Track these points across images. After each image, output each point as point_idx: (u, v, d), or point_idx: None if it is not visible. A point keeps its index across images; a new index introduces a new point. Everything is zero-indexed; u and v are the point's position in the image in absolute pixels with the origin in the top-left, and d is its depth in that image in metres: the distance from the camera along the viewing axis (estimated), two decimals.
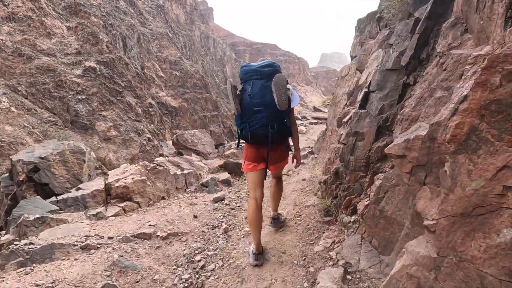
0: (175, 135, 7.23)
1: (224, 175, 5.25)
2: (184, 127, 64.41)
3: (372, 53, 3.11)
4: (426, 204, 1.55)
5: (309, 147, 6.90)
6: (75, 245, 2.86)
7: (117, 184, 4.31)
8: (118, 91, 46.96)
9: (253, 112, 2.03)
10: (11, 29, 25.64)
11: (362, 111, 2.74)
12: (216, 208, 4.01)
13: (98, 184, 4.46)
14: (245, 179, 5.12)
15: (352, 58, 4.33)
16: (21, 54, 25.59)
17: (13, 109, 23.07)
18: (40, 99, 35.20)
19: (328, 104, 15.85)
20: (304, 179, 4.56)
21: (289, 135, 2.21)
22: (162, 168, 4.62)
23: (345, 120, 3.14)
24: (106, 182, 4.37)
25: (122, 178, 4.41)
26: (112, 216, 3.92)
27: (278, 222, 2.93)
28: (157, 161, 5.19)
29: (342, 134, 2.96)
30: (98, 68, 42.10)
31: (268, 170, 2.31)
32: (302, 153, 5.62)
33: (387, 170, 2.33)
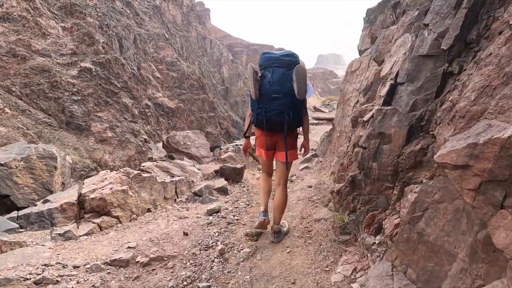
0: (166, 137, 6.33)
1: (220, 182, 4.53)
2: (180, 128, 63.78)
3: (396, 40, 2.61)
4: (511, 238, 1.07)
5: (312, 149, 6.28)
6: (26, 279, 2.24)
7: (92, 196, 3.60)
8: (114, 92, 46.32)
9: (271, 99, 2.14)
10: (5, 29, 24.98)
11: (388, 108, 2.21)
12: (211, 223, 3.37)
13: (70, 195, 3.70)
14: (243, 186, 4.56)
15: (360, 52, 3.90)
16: (16, 54, 24.96)
17: (7, 110, 22.38)
18: (35, 100, 34.46)
19: (328, 104, 15.31)
20: (310, 186, 3.96)
21: (300, 125, 2.35)
22: (148, 175, 3.98)
23: (364, 119, 2.53)
24: (81, 193, 3.67)
25: (99, 188, 3.72)
26: (84, 235, 3.25)
27: (281, 235, 2.71)
28: (143, 166, 4.49)
29: (361, 136, 2.44)
30: (93, 69, 41.38)
31: (277, 159, 2.44)
32: (305, 156, 5.04)
33: (423, 180, 1.85)
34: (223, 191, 4.36)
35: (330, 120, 10.64)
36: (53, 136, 35.61)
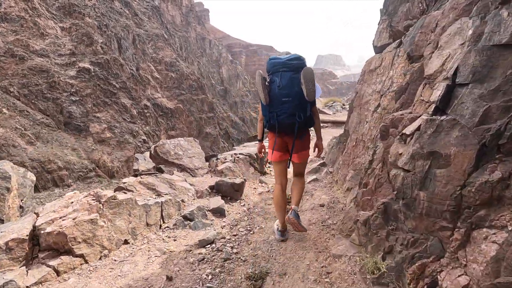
0: (153, 146, 5.25)
1: (216, 202, 3.70)
2: (179, 129, 63.34)
3: (445, 28, 2.04)
4: None
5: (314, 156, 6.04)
6: None
7: (48, 229, 2.68)
8: (112, 92, 46.07)
9: (281, 103, 2.16)
10: (3, 29, 24.91)
11: (443, 118, 1.66)
12: (203, 259, 2.61)
13: (21, 228, 2.73)
14: (243, 205, 3.84)
15: (377, 49, 3.39)
16: (14, 54, 24.94)
17: (4, 110, 22.30)
18: (33, 101, 34.46)
19: (331, 106, 14.62)
20: (321, 205, 3.31)
21: (311, 125, 2.35)
22: (125, 197, 3.14)
23: (406, 132, 1.95)
24: (35, 225, 2.79)
25: (60, 217, 2.84)
26: (33, 284, 2.37)
27: (299, 217, 2.56)
28: (124, 183, 3.66)
29: (400, 154, 1.91)
30: (92, 69, 41.27)
31: (291, 160, 2.47)
32: (312, 165, 4.65)
33: (508, 226, 1.31)
34: (219, 212, 3.55)
35: (335, 123, 9.93)
36: (51, 137, 35.55)
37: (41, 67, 40.77)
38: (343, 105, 12.85)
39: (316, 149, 2.48)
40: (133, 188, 3.58)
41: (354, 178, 3.00)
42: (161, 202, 3.42)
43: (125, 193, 3.36)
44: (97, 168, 40.68)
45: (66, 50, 46.22)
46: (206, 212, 3.47)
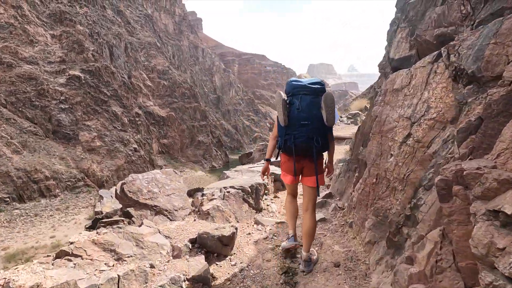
0: (120, 183, 4.05)
1: (198, 264, 2.58)
2: (171, 137, 62.72)
3: None
4: None
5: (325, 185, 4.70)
6: None
7: None
8: (103, 100, 45.39)
9: (300, 125, 2.13)
10: None
11: None
12: None
13: None
14: (234, 264, 2.86)
15: (393, 62, 2.90)
16: (1, 62, 24.45)
17: None
18: (20, 108, 33.58)
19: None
20: (336, 265, 2.49)
21: (327, 149, 2.30)
22: (57, 285, 2.04)
23: (507, 211, 1.17)
24: None
25: None
26: None
27: (312, 264, 2.42)
28: (71, 244, 2.63)
29: (504, 250, 1.12)
30: (83, 77, 40.57)
31: (304, 184, 2.41)
32: (330, 176, 4.16)
33: None
34: (201, 281, 2.47)
35: (338, 139, 9.04)
36: (39, 146, 34.69)
37: (30, 75, 39.94)
38: (341, 117, 12.32)
39: (326, 169, 2.44)
40: (83, 252, 2.55)
41: (377, 228, 2.40)
42: (118, 276, 2.28)
43: (70, 260, 2.42)
44: (86, 178, 39.45)
45: (56, 57, 45.36)
46: (183, 285, 2.34)
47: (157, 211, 3.67)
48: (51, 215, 28.54)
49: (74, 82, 41.93)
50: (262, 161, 4.13)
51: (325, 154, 2.41)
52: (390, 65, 3.03)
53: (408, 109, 2.23)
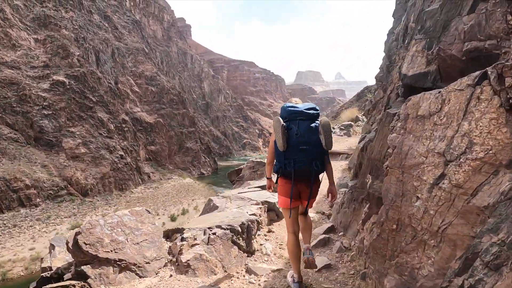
0: (74, 232, 2.95)
1: None
2: (159, 144, 61.77)
3: None
4: None
5: (321, 212, 4.15)
6: None
7: None
8: (89, 106, 44.35)
9: (299, 150, 2.19)
10: None
11: None
12: None
13: None
14: None
15: (407, 78, 2.58)
16: None
17: None
18: (0, 114, 32.40)
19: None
20: None
21: (323, 171, 2.33)
22: None
23: None
24: None
25: None
26: None
27: (313, 253, 2.54)
28: None
29: None
30: (67, 82, 39.57)
31: (301, 205, 2.46)
32: (317, 230, 3.56)
33: None
34: None
35: (332, 154, 8.13)
36: (19, 153, 33.43)
37: (11, 79, 38.53)
38: (333, 128, 11.75)
39: (330, 194, 2.42)
40: None
41: None
42: None
43: None
44: (69, 186, 37.98)
45: (39, 62, 43.93)
46: None
47: (123, 266, 2.84)
48: (31, 226, 27.29)
49: (58, 87, 40.76)
50: (253, 187, 4.04)
51: (321, 176, 2.39)
52: (401, 82, 2.73)
53: (440, 143, 1.83)
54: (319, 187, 2.38)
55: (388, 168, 2.26)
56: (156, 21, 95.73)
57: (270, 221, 3.87)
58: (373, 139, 3.07)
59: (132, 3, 79.50)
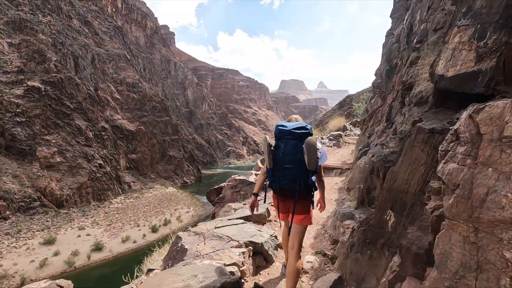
0: None
1: None
2: (141, 152, 60.32)
3: None
4: None
5: (321, 252, 3.20)
6: None
7: None
8: (66, 114, 42.72)
9: (284, 168, 2.23)
10: None
11: None
12: None
13: None
14: None
15: (444, 81, 1.93)
16: None
17: None
18: None
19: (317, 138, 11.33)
20: None
21: (313, 189, 2.33)
22: None
23: None
24: None
25: None
26: None
27: None
28: None
29: None
30: (43, 88, 38.07)
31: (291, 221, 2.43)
32: (319, 284, 2.73)
33: None
34: None
35: (326, 168, 6.86)
36: None
37: None
38: (322, 138, 10.84)
39: (319, 205, 2.50)
40: None
41: None
42: None
43: None
44: (42, 197, 35.84)
45: (13, 67, 41.87)
46: None
47: None
48: None
49: (33, 93, 38.87)
50: (234, 218, 3.82)
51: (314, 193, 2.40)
52: (434, 86, 2.10)
53: None
54: (308, 205, 2.35)
55: (445, 219, 1.49)
56: (139, 28, 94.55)
57: (257, 269, 2.92)
58: (394, 161, 2.37)
59: (114, 9, 78.22)
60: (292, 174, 2.21)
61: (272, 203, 2.78)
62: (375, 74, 6.09)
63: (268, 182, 2.41)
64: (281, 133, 2.31)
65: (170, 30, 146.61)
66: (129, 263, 6.75)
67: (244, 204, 5.09)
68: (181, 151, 60.51)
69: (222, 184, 6.75)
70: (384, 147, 3.15)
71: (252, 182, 6.06)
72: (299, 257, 2.36)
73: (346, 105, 38.20)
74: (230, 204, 5.32)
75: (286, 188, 2.25)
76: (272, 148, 2.31)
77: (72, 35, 48.89)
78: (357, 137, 7.76)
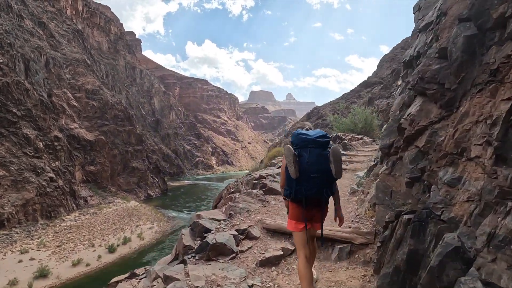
0: None
1: None
2: (100, 163, 56.55)
3: None
4: None
5: None
6: None
7: None
8: (11, 121, 38.78)
9: (310, 178, 2.22)
10: None
11: None
12: None
13: None
14: None
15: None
16: None
17: None
18: None
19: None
20: None
21: (332, 195, 2.40)
22: None
23: None
24: None
25: None
26: None
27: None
28: None
29: None
30: None
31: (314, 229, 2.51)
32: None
33: None
34: None
35: None
36: None
37: None
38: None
39: (338, 219, 2.52)
40: None
41: None
42: None
43: None
44: None
45: None
46: None
47: None
48: None
49: None
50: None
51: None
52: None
53: None
54: (327, 211, 2.49)
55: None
56: (102, 33, 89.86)
57: None
58: None
59: (74, 12, 73.63)
60: (318, 183, 2.22)
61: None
62: (413, 57, 2.95)
63: (288, 193, 2.34)
64: (303, 142, 2.29)
65: (137, 37, 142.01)
66: None
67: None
68: (145, 162, 57.28)
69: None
70: None
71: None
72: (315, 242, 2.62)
73: (313, 116, 39.51)
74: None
75: (312, 198, 2.25)
76: (297, 158, 2.27)
77: (23, 36, 44.70)
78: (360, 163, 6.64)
